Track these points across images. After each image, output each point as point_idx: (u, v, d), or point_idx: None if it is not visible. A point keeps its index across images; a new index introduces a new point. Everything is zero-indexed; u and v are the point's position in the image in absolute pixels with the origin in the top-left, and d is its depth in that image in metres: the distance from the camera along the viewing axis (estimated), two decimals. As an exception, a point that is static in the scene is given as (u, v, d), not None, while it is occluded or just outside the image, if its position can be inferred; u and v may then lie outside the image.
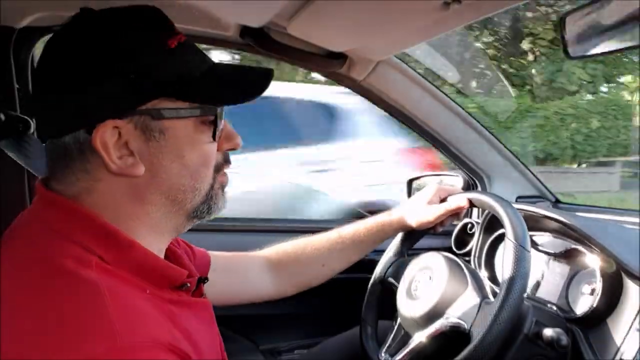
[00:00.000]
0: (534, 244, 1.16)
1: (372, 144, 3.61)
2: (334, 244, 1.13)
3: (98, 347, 0.47)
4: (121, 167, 0.59)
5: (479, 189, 1.54)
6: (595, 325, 0.96)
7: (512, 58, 11.68)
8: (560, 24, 0.90)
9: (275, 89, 1.90)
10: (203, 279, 0.74)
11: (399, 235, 1.18)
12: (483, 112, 8.96)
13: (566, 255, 1.12)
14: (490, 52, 11.54)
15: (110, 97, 0.57)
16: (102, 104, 0.57)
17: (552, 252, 1.15)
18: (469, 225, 1.40)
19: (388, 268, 1.15)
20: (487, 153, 1.48)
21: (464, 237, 1.39)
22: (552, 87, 11.07)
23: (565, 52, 0.91)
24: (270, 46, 1.11)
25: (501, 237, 1.20)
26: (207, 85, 0.63)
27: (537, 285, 1.16)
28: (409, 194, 1.59)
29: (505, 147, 1.49)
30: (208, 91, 0.63)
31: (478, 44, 11.35)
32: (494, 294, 0.92)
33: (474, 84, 11.43)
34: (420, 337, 0.92)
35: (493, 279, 1.25)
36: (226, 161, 0.70)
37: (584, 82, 11.07)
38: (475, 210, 1.50)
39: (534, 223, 1.12)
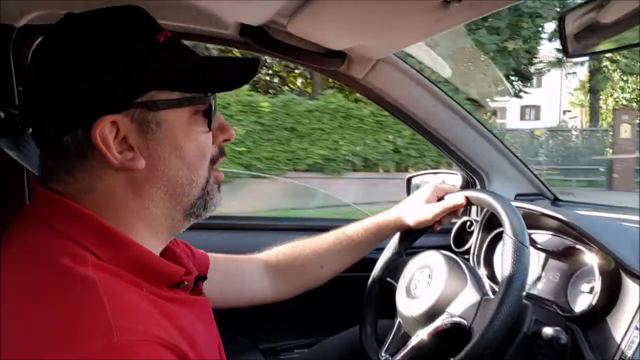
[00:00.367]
0: (533, 242, 1.16)
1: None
2: (332, 245, 1.13)
3: (95, 344, 0.47)
4: (122, 161, 0.60)
5: (478, 187, 1.54)
6: (595, 323, 0.96)
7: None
8: (559, 22, 0.90)
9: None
10: (201, 277, 0.74)
11: (397, 235, 1.19)
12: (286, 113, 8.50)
13: (565, 254, 1.12)
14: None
15: (105, 93, 0.58)
16: (98, 100, 0.58)
17: (551, 250, 1.15)
18: (468, 224, 1.40)
19: (387, 267, 1.15)
20: (486, 151, 1.48)
21: (463, 235, 1.40)
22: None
23: (565, 50, 0.91)
24: (270, 44, 1.11)
25: (500, 235, 1.20)
26: (198, 74, 0.65)
27: (536, 283, 1.16)
28: (408, 193, 1.59)
29: (504, 145, 1.50)
30: (199, 79, 0.65)
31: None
32: (494, 292, 0.92)
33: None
34: (420, 336, 0.92)
35: (492, 276, 1.25)
36: (221, 154, 0.72)
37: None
38: (474, 208, 1.50)
39: (532, 221, 1.12)
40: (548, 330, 0.88)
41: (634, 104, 15.89)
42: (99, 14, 0.62)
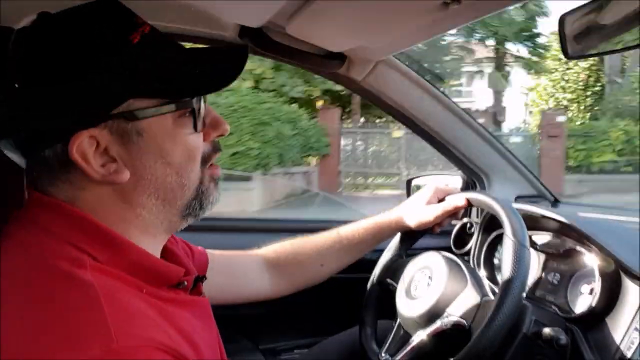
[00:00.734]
0: (533, 244, 1.16)
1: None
2: (332, 243, 1.13)
3: (94, 349, 0.47)
4: (104, 175, 0.57)
5: (478, 189, 1.54)
6: (595, 324, 0.96)
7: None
8: (559, 23, 0.90)
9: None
10: (201, 278, 0.73)
11: (398, 236, 1.19)
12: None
13: (565, 255, 1.12)
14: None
15: (77, 107, 0.55)
16: (71, 115, 0.55)
17: (551, 251, 1.15)
18: (468, 225, 1.40)
19: (387, 268, 1.15)
20: (486, 153, 1.48)
21: (463, 236, 1.39)
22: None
23: (565, 51, 0.91)
24: (269, 46, 1.11)
25: (500, 237, 1.20)
26: (178, 78, 0.60)
27: (536, 284, 1.16)
28: (408, 194, 1.59)
29: (504, 147, 1.50)
30: (179, 84, 0.60)
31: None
32: (494, 293, 0.92)
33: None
34: (420, 336, 0.92)
35: (492, 278, 1.25)
36: (215, 150, 0.68)
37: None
38: (474, 210, 1.50)
39: (533, 223, 1.12)
40: (548, 331, 0.88)
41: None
42: (69, 15, 0.57)
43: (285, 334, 1.50)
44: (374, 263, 1.19)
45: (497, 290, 0.88)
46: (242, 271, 1.06)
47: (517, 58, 17.20)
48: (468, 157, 1.48)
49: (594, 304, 0.96)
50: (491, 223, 1.28)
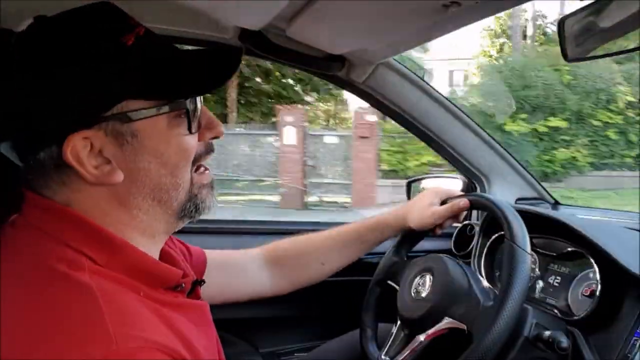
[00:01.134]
0: (534, 246, 1.16)
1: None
2: (334, 242, 1.13)
3: (94, 352, 0.47)
4: (98, 176, 0.58)
5: (478, 191, 1.54)
6: (596, 327, 0.96)
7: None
8: (558, 26, 0.90)
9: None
10: (199, 282, 0.73)
11: (399, 237, 1.18)
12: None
13: (566, 257, 1.12)
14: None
15: (71, 109, 0.55)
16: (65, 116, 0.55)
17: (552, 254, 1.15)
18: (469, 227, 1.40)
19: (388, 270, 1.15)
20: (486, 155, 1.48)
21: (464, 239, 1.39)
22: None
23: (564, 54, 0.91)
24: (269, 49, 1.11)
25: (501, 239, 1.20)
26: (172, 79, 0.60)
27: (537, 287, 1.16)
28: (409, 196, 1.59)
29: (504, 149, 1.50)
30: (174, 86, 0.60)
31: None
32: (494, 296, 0.92)
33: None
34: (420, 339, 0.92)
35: (493, 281, 1.25)
36: (208, 151, 0.68)
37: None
38: (474, 212, 1.50)
39: (533, 225, 1.12)
40: (549, 334, 0.88)
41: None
42: (65, 18, 0.57)
43: (285, 337, 1.50)
44: (374, 265, 1.19)
45: (497, 293, 0.88)
46: (241, 269, 1.06)
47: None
48: (468, 159, 1.48)
49: (595, 307, 0.96)
50: (492, 225, 1.27)
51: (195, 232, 1.19)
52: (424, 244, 1.22)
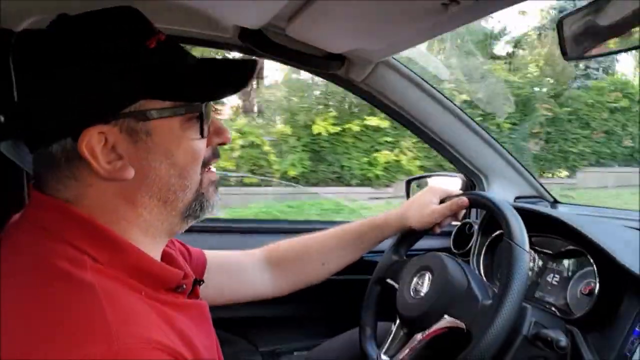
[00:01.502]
0: (532, 245, 1.16)
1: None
2: (333, 242, 1.13)
3: (95, 349, 0.47)
4: (110, 171, 0.59)
5: (478, 189, 1.54)
6: (595, 326, 0.96)
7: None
8: (558, 26, 0.90)
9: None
10: (199, 281, 0.74)
11: (398, 236, 1.19)
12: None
13: (565, 256, 1.12)
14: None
15: (91, 103, 0.57)
16: (85, 110, 0.57)
17: (551, 252, 1.15)
18: (468, 226, 1.40)
19: (387, 269, 1.15)
20: (486, 154, 1.48)
21: (463, 237, 1.40)
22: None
23: (564, 54, 0.91)
24: (269, 48, 1.11)
25: (500, 238, 1.20)
26: (190, 83, 0.62)
27: (536, 286, 1.16)
28: (408, 195, 1.59)
29: (503, 147, 1.50)
30: (190, 89, 0.62)
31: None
32: (493, 294, 0.92)
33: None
34: (419, 338, 0.92)
35: (492, 279, 1.25)
36: (215, 156, 0.70)
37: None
38: (473, 210, 1.50)
39: (532, 223, 1.12)
40: (547, 333, 0.88)
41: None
42: (89, 18, 0.59)
43: (284, 336, 1.50)
44: (373, 264, 1.19)
45: (496, 291, 0.88)
46: (241, 270, 1.06)
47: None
48: (467, 158, 1.48)
49: (593, 305, 0.97)
50: (491, 224, 1.28)
51: (196, 230, 1.19)
52: (423, 243, 1.23)
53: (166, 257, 0.73)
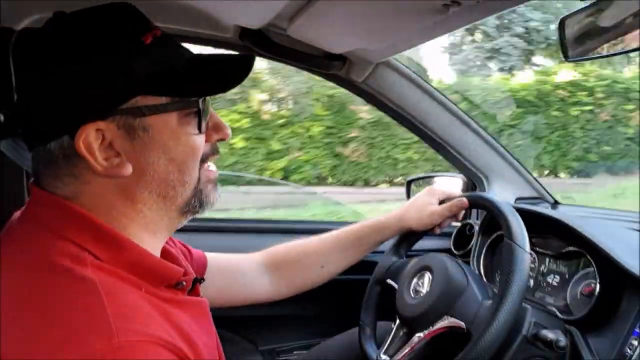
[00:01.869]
0: (533, 245, 1.16)
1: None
2: (333, 245, 1.13)
3: (96, 345, 0.48)
4: (108, 168, 0.59)
5: (478, 190, 1.54)
6: (594, 326, 0.96)
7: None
8: (559, 27, 0.90)
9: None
10: (199, 279, 0.74)
11: (398, 237, 1.19)
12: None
13: (565, 257, 1.12)
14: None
15: (88, 100, 0.57)
16: (81, 107, 0.57)
17: (551, 253, 1.15)
18: (468, 227, 1.40)
19: (387, 269, 1.15)
20: (486, 155, 1.48)
21: (463, 238, 1.40)
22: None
23: (565, 54, 0.91)
24: (270, 48, 1.11)
25: (500, 238, 1.20)
26: (186, 78, 0.62)
27: (536, 286, 1.16)
28: (408, 195, 1.59)
29: (504, 148, 1.50)
30: (187, 84, 0.62)
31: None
32: (493, 295, 0.92)
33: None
34: (419, 338, 0.92)
35: (492, 280, 1.25)
36: (214, 152, 0.70)
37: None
38: (474, 211, 1.50)
39: (533, 224, 1.13)
40: (547, 333, 0.88)
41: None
42: (85, 15, 0.59)
43: (284, 335, 1.50)
44: (373, 264, 1.19)
45: (496, 292, 0.88)
46: (241, 273, 1.06)
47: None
48: (468, 158, 1.48)
49: (593, 306, 0.96)
50: (491, 225, 1.28)
51: (196, 230, 1.19)
52: (423, 243, 1.23)
53: (167, 254, 0.73)
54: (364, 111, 7.86)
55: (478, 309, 0.89)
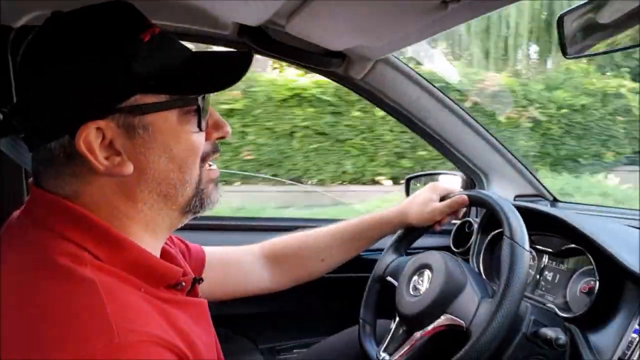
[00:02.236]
0: (532, 243, 1.16)
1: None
2: (333, 239, 1.13)
3: (96, 345, 0.47)
4: (109, 167, 0.59)
5: (477, 188, 1.54)
6: (594, 324, 0.96)
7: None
8: (558, 23, 0.90)
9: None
10: (198, 280, 0.74)
11: (398, 234, 1.19)
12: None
13: (564, 254, 1.12)
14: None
15: (87, 99, 0.57)
16: (81, 106, 0.57)
17: (551, 250, 1.15)
18: (468, 224, 1.40)
19: (387, 267, 1.15)
20: (486, 152, 1.48)
21: (463, 236, 1.40)
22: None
23: (563, 51, 0.91)
24: (269, 45, 1.11)
25: (500, 236, 1.20)
26: (185, 76, 0.62)
27: (535, 284, 1.16)
28: (408, 193, 1.59)
29: (503, 146, 1.50)
30: (186, 81, 0.62)
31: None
32: (493, 293, 0.92)
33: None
34: (418, 336, 0.92)
35: (491, 278, 1.25)
36: (214, 150, 0.70)
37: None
38: (473, 209, 1.50)
39: (532, 222, 1.12)
40: (547, 331, 0.88)
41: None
42: (83, 13, 0.59)
43: (284, 333, 1.50)
44: (372, 262, 1.19)
45: (496, 289, 0.88)
46: (240, 266, 1.07)
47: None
48: (467, 156, 1.48)
49: (593, 304, 0.97)
50: (490, 222, 1.28)
51: (196, 228, 1.19)
52: (423, 241, 1.23)
53: (166, 254, 0.73)
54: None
55: (477, 307, 0.89)
